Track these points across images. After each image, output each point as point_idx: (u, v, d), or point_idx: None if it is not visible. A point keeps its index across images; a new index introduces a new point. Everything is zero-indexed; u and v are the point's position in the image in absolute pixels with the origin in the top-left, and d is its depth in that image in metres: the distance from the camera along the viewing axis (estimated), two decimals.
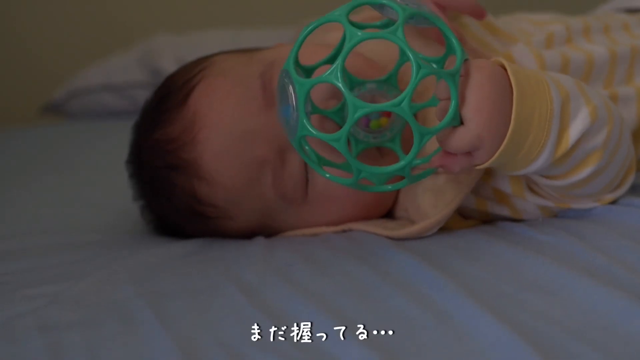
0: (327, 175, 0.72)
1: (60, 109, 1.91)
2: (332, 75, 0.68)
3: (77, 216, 1.06)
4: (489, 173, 0.81)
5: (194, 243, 0.86)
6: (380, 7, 0.70)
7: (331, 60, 0.74)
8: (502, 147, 0.70)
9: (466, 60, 0.70)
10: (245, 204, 0.83)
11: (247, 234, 0.86)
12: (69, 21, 2.14)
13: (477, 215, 0.84)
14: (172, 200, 0.86)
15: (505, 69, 0.72)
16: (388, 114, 0.74)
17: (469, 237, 0.78)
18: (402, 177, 0.72)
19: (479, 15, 0.84)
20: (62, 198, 1.17)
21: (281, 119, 0.72)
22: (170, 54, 1.76)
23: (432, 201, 0.80)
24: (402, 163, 0.69)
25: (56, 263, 0.84)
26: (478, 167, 0.72)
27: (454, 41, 0.70)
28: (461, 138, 0.69)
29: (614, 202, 0.80)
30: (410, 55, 0.67)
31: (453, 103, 0.68)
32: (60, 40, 2.14)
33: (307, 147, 0.72)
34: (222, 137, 0.82)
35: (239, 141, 0.81)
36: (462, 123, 0.70)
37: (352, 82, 0.76)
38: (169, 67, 1.61)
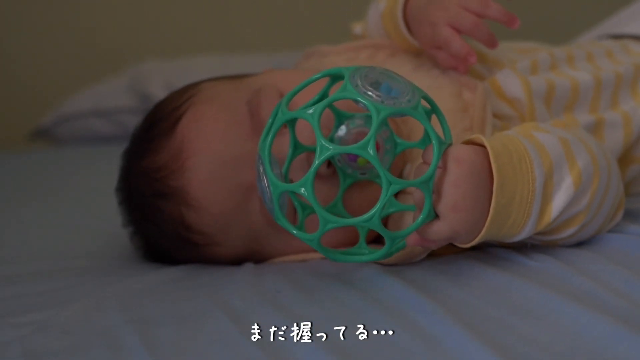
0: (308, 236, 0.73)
1: (49, 134, 1.91)
2: (303, 188, 0.68)
3: (65, 242, 1.05)
4: None
5: (182, 269, 0.86)
6: (356, 101, 0.69)
7: (317, 102, 0.73)
8: (479, 236, 0.71)
9: (448, 147, 0.70)
10: (233, 230, 0.83)
11: (236, 260, 0.86)
12: (58, 47, 2.14)
13: None
14: (161, 228, 0.86)
15: (482, 145, 0.71)
16: (377, 150, 0.74)
17: (457, 262, 0.78)
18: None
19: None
20: (50, 224, 1.17)
21: (259, 192, 0.73)
22: (159, 79, 1.76)
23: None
24: (375, 256, 0.72)
25: (43, 290, 0.84)
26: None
27: (433, 137, 0.69)
28: (438, 232, 0.70)
29: None
30: (381, 172, 0.67)
31: (425, 209, 0.69)
32: (49, 66, 2.14)
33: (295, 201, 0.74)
34: (209, 164, 0.82)
35: (226, 168, 0.82)
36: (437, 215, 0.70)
37: (341, 117, 0.76)
38: (158, 92, 1.62)
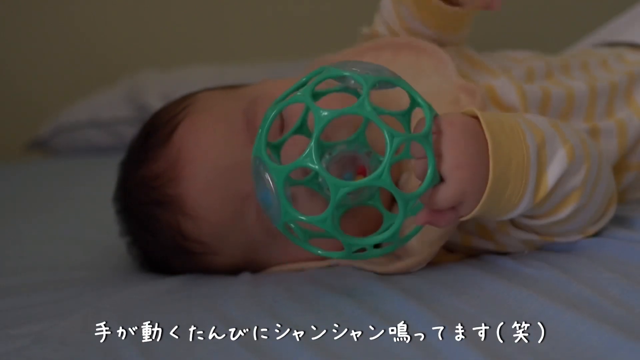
0: (319, 252, 0.72)
1: (46, 145, 1.91)
2: (308, 159, 0.68)
3: (63, 253, 1.05)
4: None
5: (179, 279, 0.86)
6: (342, 79, 0.70)
7: (298, 129, 0.74)
8: (483, 198, 0.71)
9: (436, 116, 0.70)
10: (231, 238, 0.83)
11: (233, 270, 0.86)
12: (55, 57, 2.14)
13: (462, 249, 0.85)
14: (158, 237, 0.86)
15: (477, 118, 0.72)
16: (363, 173, 0.74)
17: (454, 270, 0.78)
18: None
19: (490, 6, 0.82)
20: (48, 235, 1.16)
21: (260, 202, 0.72)
22: (156, 90, 1.76)
23: (418, 239, 0.80)
24: (390, 232, 0.70)
25: (41, 301, 0.84)
26: (462, 219, 0.73)
27: (421, 101, 0.70)
28: (445, 195, 0.70)
29: (596, 234, 0.81)
30: (382, 127, 0.67)
31: (430, 166, 0.69)
32: (45, 76, 2.15)
33: (292, 225, 0.72)
34: (206, 172, 0.82)
35: (223, 176, 0.82)
36: (442, 179, 0.70)
37: (323, 147, 0.76)
38: (155, 103, 1.62)
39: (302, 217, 0.69)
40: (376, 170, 0.67)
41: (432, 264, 0.80)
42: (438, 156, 0.70)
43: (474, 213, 0.71)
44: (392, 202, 0.81)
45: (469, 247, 0.84)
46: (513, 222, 0.81)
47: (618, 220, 0.83)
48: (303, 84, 0.72)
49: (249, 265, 0.86)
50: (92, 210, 1.22)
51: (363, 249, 0.72)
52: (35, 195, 1.45)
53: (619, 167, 0.92)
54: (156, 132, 0.87)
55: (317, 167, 0.67)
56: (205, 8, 2.13)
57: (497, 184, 0.71)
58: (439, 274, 0.77)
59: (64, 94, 2.04)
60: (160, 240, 0.86)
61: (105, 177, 1.00)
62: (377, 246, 0.73)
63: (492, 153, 0.70)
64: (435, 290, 0.73)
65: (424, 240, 0.80)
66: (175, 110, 0.88)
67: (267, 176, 0.70)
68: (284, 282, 0.80)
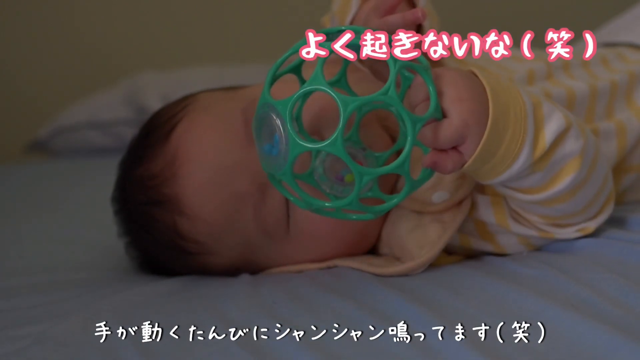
0: (327, 204, 0.71)
1: (45, 147, 1.91)
2: (317, 80, 0.67)
3: (63, 254, 1.05)
4: (472, 206, 0.82)
5: (178, 281, 0.86)
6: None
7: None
8: (486, 133, 0.70)
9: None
10: (227, 239, 0.83)
11: (231, 271, 0.86)
12: (55, 58, 2.14)
13: (461, 251, 0.85)
14: (155, 236, 0.86)
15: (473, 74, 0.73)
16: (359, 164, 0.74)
17: (454, 271, 0.78)
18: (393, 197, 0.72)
19: (417, 19, 0.76)
20: (48, 235, 1.17)
21: (263, 158, 0.72)
22: (155, 91, 1.76)
23: (418, 242, 0.80)
24: (401, 159, 0.68)
25: (40, 302, 0.84)
26: (466, 166, 0.71)
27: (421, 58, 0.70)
28: (449, 128, 0.70)
29: (595, 235, 0.81)
30: (389, 62, 0.68)
31: (432, 96, 0.69)
32: (45, 77, 2.15)
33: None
34: (203, 172, 0.82)
35: (220, 176, 0.82)
36: (444, 117, 0.70)
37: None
38: (154, 104, 1.62)
39: (310, 145, 0.68)
40: (382, 88, 0.67)
41: (431, 265, 0.80)
42: (439, 93, 0.70)
43: (478, 150, 0.70)
44: (391, 192, 0.81)
45: (468, 249, 0.84)
46: (513, 216, 0.80)
47: (616, 221, 0.84)
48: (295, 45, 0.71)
49: (247, 267, 0.86)
50: (92, 211, 1.22)
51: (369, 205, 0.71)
52: (35, 196, 1.45)
53: (619, 169, 0.92)
54: (155, 131, 0.87)
55: (326, 88, 0.67)
56: (205, 9, 2.13)
57: (497, 123, 0.71)
58: (439, 275, 0.77)
59: (63, 95, 2.05)
60: (157, 240, 0.86)
61: (104, 178, 1.00)
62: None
63: (491, 95, 0.71)
64: (435, 290, 0.73)
65: (423, 244, 0.80)
66: (175, 109, 0.88)
67: (274, 117, 0.69)
68: (283, 283, 0.80)
